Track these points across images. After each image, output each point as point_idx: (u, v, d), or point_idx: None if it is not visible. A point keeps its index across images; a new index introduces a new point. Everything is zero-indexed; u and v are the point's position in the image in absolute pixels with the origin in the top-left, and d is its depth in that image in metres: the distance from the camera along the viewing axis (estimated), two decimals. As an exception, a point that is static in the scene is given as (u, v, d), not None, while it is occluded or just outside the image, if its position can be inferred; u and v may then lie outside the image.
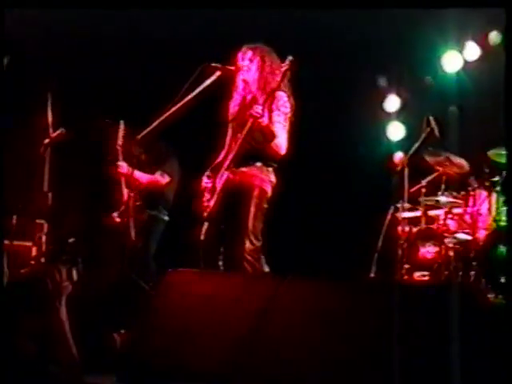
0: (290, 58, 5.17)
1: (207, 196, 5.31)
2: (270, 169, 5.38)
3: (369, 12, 6.52)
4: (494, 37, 7.52)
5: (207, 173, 5.43)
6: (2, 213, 5.10)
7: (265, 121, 5.21)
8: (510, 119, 4.25)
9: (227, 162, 5.30)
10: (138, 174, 6.84)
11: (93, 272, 6.02)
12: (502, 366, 3.30)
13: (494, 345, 3.36)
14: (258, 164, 5.32)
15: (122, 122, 6.96)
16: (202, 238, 5.10)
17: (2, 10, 5.05)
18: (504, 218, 6.18)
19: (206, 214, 5.21)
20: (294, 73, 5.30)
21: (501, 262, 5.89)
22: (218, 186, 5.30)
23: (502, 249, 5.92)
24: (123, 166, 6.84)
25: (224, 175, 5.30)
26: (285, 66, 5.19)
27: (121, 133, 6.94)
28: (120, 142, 6.94)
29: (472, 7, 7.14)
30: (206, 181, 5.40)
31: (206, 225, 5.12)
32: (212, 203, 5.24)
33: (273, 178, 5.38)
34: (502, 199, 6.33)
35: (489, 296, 5.51)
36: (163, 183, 7.11)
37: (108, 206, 6.99)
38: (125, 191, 6.75)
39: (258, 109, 5.15)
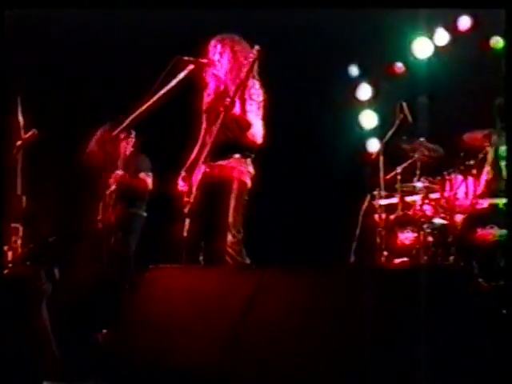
0: (257, 47, 5.11)
1: (185, 195, 5.21)
2: (249, 160, 5.34)
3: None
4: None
5: (182, 174, 5.35)
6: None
7: (237, 111, 5.15)
8: (511, 118, 4.30)
9: (203, 155, 5.21)
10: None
11: (72, 273, 5.95)
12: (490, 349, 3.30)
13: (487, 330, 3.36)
14: (236, 156, 5.28)
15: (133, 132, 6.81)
16: (185, 234, 5.00)
17: (1, 10, 5.02)
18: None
19: (186, 210, 5.09)
20: (262, 62, 5.24)
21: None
22: (195, 181, 5.21)
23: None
24: (119, 174, 6.72)
25: (201, 169, 5.22)
26: (252, 56, 5.12)
27: (130, 142, 6.85)
28: (128, 151, 6.85)
29: (472, 7, 7.20)
30: (181, 184, 5.32)
31: (187, 221, 5.02)
32: (192, 199, 5.13)
33: (251, 170, 5.35)
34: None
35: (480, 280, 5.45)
36: (149, 182, 7.04)
37: (84, 206, 6.92)
38: (107, 192, 6.57)
39: (227, 101, 5.09)
